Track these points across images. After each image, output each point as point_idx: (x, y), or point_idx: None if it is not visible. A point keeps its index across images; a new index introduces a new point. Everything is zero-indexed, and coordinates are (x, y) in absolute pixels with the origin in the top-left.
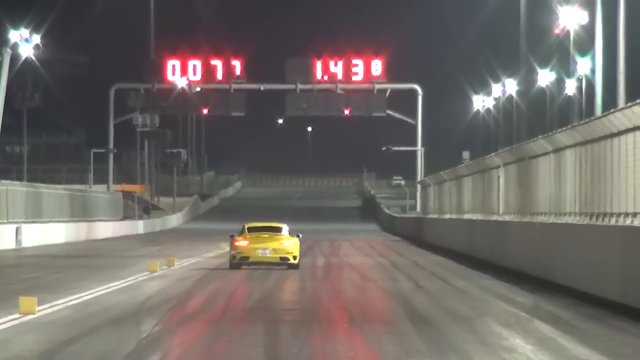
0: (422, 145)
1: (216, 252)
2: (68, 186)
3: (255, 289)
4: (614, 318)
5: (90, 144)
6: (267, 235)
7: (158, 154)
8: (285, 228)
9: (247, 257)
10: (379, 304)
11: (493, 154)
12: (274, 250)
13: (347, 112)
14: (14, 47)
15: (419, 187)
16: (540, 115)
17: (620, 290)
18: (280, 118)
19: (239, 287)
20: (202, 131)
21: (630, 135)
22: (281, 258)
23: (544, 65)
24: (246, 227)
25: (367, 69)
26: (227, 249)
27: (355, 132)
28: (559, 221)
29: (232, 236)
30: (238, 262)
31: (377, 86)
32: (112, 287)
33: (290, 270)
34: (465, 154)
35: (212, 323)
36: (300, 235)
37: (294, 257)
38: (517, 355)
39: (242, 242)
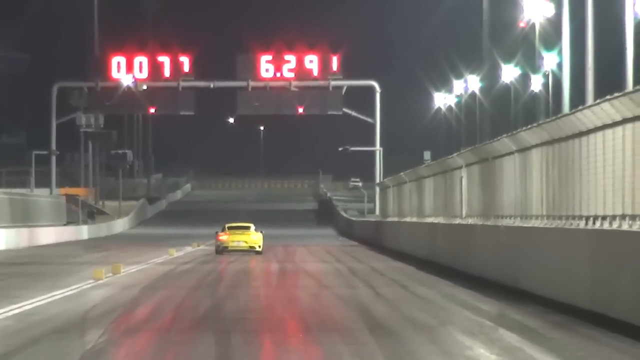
0: (381, 145)
1: (165, 258)
2: (8, 190)
3: (206, 296)
4: (583, 326)
5: (31, 146)
6: (240, 232)
7: (103, 156)
8: (252, 227)
9: (227, 247)
10: (335, 312)
11: (455, 154)
12: (245, 242)
13: (301, 110)
14: None
15: (377, 189)
16: (505, 113)
17: (589, 297)
18: (231, 117)
19: (188, 294)
20: (149, 131)
21: (599, 134)
22: (250, 247)
23: (508, 60)
24: (226, 226)
25: (322, 65)
26: (176, 254)
27: (310, 131)
28: (524, 224)
29: (217, 233)
30: (221, 250)
31: (333, 83)
32: (55, 295)
33: (242, 278)
34: (427, 154)
35: (160, 333)
36: (263, 231)
37: (259, 247)
38: None
39: (223, 237)
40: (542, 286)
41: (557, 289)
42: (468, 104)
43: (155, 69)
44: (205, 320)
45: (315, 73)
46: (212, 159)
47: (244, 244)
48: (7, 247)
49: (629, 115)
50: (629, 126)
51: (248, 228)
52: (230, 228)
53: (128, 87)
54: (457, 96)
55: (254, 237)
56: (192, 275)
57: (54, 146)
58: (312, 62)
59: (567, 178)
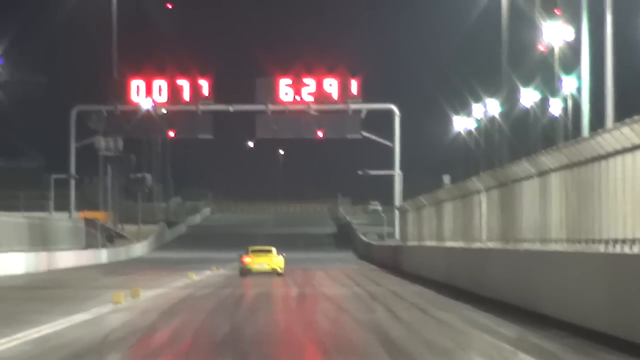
0: (400, 168)
1: (184, 282)
2: (27, 214)
3: (225, 321)
4: (603, 350)
5: (50, 169)
6: (263, 255)
7: (122, 180)
8: (274, 250)
9: (250, 269)
10: (354, 336)
11: (474, 177)
12: (268, 264)
13: (320, 134)
14: None
15: (397, 212)
16: (524, 137)
17: (608, 321)
18: (250, 141)
19: (207, 319)
20: (167, 155)
21: (618, 158)
22: (272, 269)
23: (527, 83)
24: (250, 249)
25: (341, 89)
26: (196, 278)
27: (329, 155)
28: (544, 248)
29: (240, 256)
30: (245, 272)
31: (352, 106)
32: (74, 320)
33: (261, 302)
34: (446, 178)
35: (179, 357)
36: (285, 255)
37: (281, 269)
38: None
39: (247, 259)
40: (561, 309)
41: (576, 313)
42: (487, 128)
43: (174, 92)
44: (224, 344)
45: (335, 97)
46: (230, 182)
47: (266, 266)
48: (26, 271)
49: None
50: None
51: (270, 251)
52: (253, 251)
53: (147, 111)
54: (477, 120)
55: (275, 260)
56: (212, 299)
57: (73, 170)
58: (331, 85)
59: (586, 202)
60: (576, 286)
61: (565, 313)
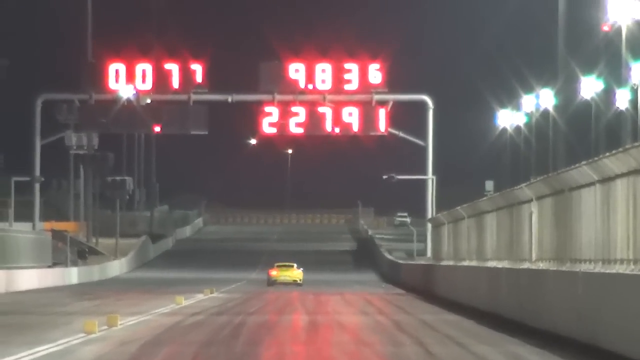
0: (434, 173)
1: (171, 308)
2: None
3: (219, 356)
4: None
5: (9, 171)
6: (285, 269)
7: (97, 184)
8: (295, 265)
9: (276, 280)
10: None
11: (523, 184)
12: (289, 276)
13: (337, 130)
14: None
15: (429, 226)
16: (584, 135)
17: None
18: (253, 138)
19: (198, 353)
20: (152, 155)
21: None
22: (293, 280)
23: (588, 71)
24: (275, 264)
25: (363, 76)
26: (185, 303)
27: (348, 156)
28: (607, 270)
29: (269, 270)
30: (272, 282)
31: (376, 97)
32: (38, 352)
33: (264, 332)
34: (489, 185)
35: None
36: (302, 268)
37: (300, 280)
38: None
39: (273, 272)
40: (626, 344)
41: None
42: (539, 124)
43: (160, 78)
44: None
45: (355, 85)
46: (228, 188)
47: (289, 278)
48: None
49: None
50: None
51: (292, 266)
52: (278, 266)
53: (128, 101)
54: (527, 114)
55: (296, 273)
56: (204, 329)
57: (37, 172)
58: (350, 72)
59: None
60: None
61: (633, 349)
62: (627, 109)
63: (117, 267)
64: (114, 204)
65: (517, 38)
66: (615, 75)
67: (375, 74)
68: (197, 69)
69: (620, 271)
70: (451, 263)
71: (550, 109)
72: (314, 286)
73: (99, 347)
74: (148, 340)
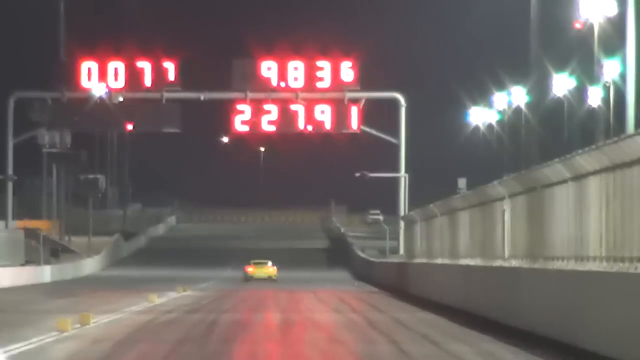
0: (406, 171)
1: (144, 306)
2: None
3: (193, 353)
4: None
5: None
6: (261, 266)
7: (69, 182)
8: (270, 262)
9: (252, 276)
10: None
11: (496, 182)
12: (265, 272)
13: (309, 128)
14: None
15: (402, 224)
16: (557, 133)
17: None
18: (225, 136)
19: (172, 350)
20: (125, 153)
21: None
22: (268, 276)
23: (560, 69)
24: (251, 262)
25: (335, 74)
26: (157, 301)
27: (321, 154)
28: (580, 268)
29: (245, 266)
30: (248, 278)
31: (349, 95)
32: (10, 351)
33: (237, 330)
34: (462, 182)
35: None
36: (276, 266)
37: (275, 276)
38: None
39: (250, 269)
40: (602, 343)
41: (621, 347)
42: (512, 122)
43: (133, 76)
44: None
45: (327, 83)
46: (201, 186)
47: (264, 274)
48: None
49: None
50: None
51: (267, 263)
52: (254, 263)
53: (100, 99)
54: (499, 112)
55: (271, 270)
56: (177, 327)
57: (10, 171)
58: (323, 69)
59: (632, 212)
60: (623, 314)
61: (610, 347)
62: (599, 106)
63: (90, 265)
64: (86, 202)
65: (489, 35)
66: (588, 73)
67: (348, 71)
68: (170, 67)
69: (594, 268)
70: (424, 261)
71: (523, 106)
72: (287, 284)
73: (72, 345)
74: (121, 338)
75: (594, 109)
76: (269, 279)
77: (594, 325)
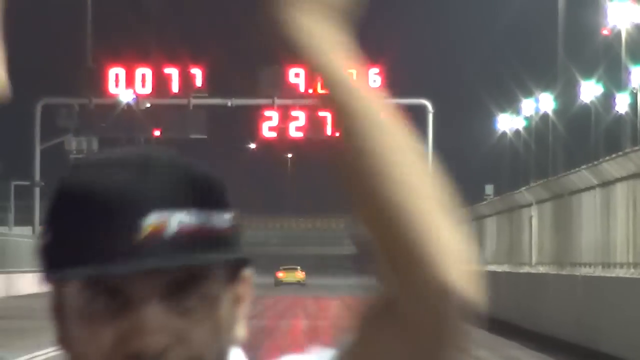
0: None
1: None
2: None
3: None
4: None
5: (9, 175)
6: (291, 271)
7: None
8: (299, 268)
9: (282, 281)
10: None
11: (523, 188)
12: (294, 277)
13: (337, 134)
14: None
15: None
16: (583, 139)
17: None
18: (252, 142)
19: None
20: None
21: None
22: (297, 281)
23: (588, 76)
24: (281, 267)
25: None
26: None
27: None
28: (607, 274)
29: (276, 272)
30: (279, 283)
31: None
32: (37, 356)
33: (262, 337)
34: (489, 189)
35: None
36: (304, 272)
37: (303, 280)
38: None
39: (280, 274)
40: (627, 348)
41: None
42: (539, 128)
43: (160, 83)
44: None
45: None
46: (228, 192)
47: (293, 279)
48: None
49: None
50: None
51: (296, 269)
52: (284, 269)
53: (128, 105)
54: (526, 118)
55: (299, 275)
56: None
57: (37, 176)
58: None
59: None
60: None
61: (634, 353)
62: (626, 112)
63: None
64: None
65: (516, 42)
66: (615, 80)
67: (375, 78)
68: (197, 73)
69: (620, 275)
70: None
71: (550, 113)
72: (314, 291)
73: None
74: None
75: (621, 115)
76: (297, 283)
77: (618, 332)
